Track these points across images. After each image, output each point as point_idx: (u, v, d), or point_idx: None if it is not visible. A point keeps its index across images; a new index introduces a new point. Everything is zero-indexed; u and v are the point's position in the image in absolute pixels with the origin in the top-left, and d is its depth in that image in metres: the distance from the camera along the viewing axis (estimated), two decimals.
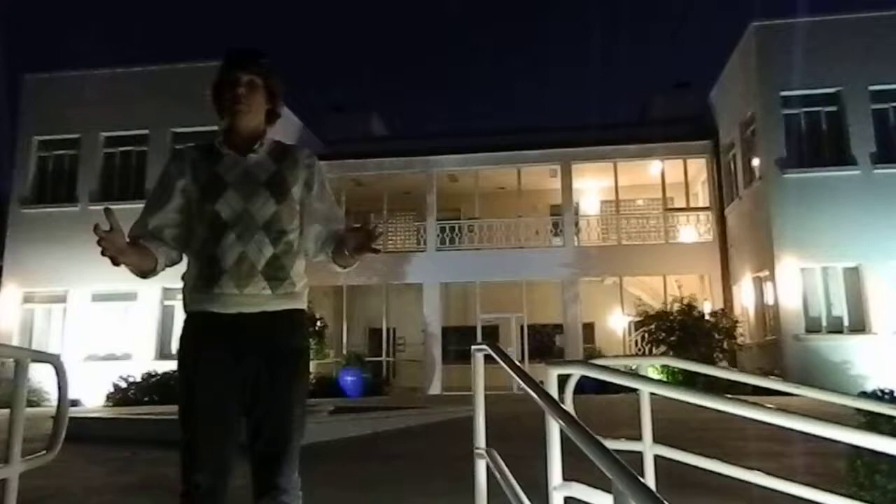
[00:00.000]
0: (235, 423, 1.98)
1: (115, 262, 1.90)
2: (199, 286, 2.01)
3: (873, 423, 2.89)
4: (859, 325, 14.39)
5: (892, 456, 2.29)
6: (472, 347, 2.54)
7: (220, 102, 2.11)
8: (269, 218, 2.03)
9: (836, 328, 14.59)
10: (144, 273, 2.07)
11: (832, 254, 14.58)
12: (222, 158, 2.09)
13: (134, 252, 1.98)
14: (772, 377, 7.57)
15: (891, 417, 2.65)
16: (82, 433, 6.41)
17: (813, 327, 14.57)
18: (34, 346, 16.39)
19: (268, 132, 2.17)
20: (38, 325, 18.03)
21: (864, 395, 3.56)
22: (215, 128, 2.18)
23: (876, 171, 14.76)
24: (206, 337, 1.99)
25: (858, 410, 2.78)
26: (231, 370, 1.96)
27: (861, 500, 2.35)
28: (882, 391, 3.68)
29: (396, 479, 5.03)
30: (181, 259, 2.12)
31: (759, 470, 2.39)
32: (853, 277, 14.60)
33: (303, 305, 2.11)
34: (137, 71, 18.77)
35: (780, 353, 14.44)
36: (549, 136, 20.05)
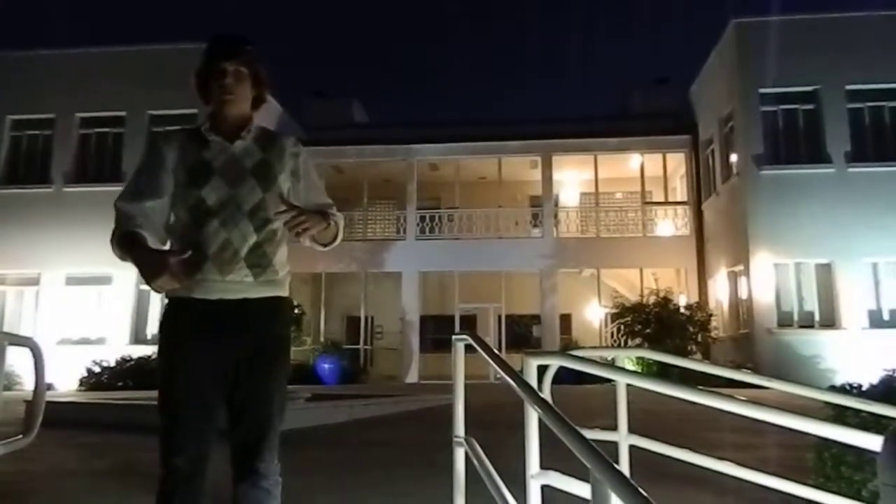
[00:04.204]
0: (215, 408, 1.98)
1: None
2: None
3: (841, 416, 2.96)
4: (830, 321, 14.68)
5: (858, 448, 2.35)
6: (453, 337, 2.54)
7: (205, 91, 2.08)
8: (255, 205, 2.02)
9: (807, 323, 14.89)
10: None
11: (805, 250, 14.85)
12: (209, 144, 2.07)
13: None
14: (744, 370, 7.69)
15: (858, 411, 2.72)
16: (55, 417, 6.33)
17: (785, 322, 14.84)
18: (5, 329, 16.11)
19: (254, 118, 2.16)
20: (10, 308, 17.73)
21: (833, 388, 3.64)
22: (194, 111, 2.15)
23: (850, 169, 15.01)
24: (187, 323, 1.99)
25: (827, 403, 2.85)
26: (212, 356, 1.95)
27: (828, 490, 2.42)
28: (850, 385, 3.77)
29: (375, 466, 5.06)
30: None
31: (730, 460, 2.44)
32: (825, 274, 14.88)
33: (285, 293, 2.11)
34: (115, 51, 18.37)
35: (752, 346, 14.70)
36: (530, 128, 20.10)
